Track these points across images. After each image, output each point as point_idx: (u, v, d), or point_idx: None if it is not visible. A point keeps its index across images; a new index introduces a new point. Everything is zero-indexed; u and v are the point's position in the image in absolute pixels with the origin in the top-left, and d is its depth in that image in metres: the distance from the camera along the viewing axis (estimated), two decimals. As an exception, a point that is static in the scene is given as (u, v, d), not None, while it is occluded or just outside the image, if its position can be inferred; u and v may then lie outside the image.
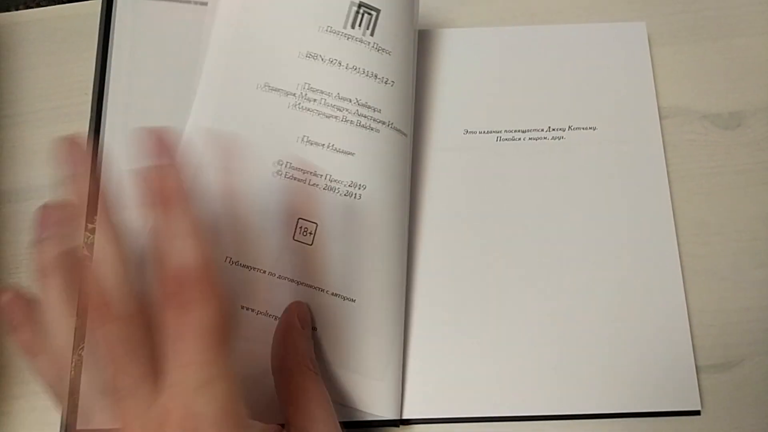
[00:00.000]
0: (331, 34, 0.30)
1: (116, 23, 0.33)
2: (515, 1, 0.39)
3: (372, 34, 0.30)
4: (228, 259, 0.29)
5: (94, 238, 0.30)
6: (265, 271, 0.29)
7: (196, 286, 0.20)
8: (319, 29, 0.30)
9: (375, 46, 0.30)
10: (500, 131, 0.35)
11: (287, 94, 0.30)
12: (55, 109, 0.36)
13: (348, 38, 0.30)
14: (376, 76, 0.30)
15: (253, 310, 0.29)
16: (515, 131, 0.35)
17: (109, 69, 0.32)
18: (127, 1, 0.33)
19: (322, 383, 0.26)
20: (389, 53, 0.31)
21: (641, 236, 0.33)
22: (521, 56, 0.36)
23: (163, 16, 0.32)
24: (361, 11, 0.30)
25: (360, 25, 0.30)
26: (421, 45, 0.36)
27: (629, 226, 0.33)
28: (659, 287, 0.32)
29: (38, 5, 0.54)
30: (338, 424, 0.25)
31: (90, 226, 0.31)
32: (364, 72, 0.30)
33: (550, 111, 0.35)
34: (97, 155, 0.31)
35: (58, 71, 0.37)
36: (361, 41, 0.30)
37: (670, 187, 0.34)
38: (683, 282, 0.32)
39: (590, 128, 0.35)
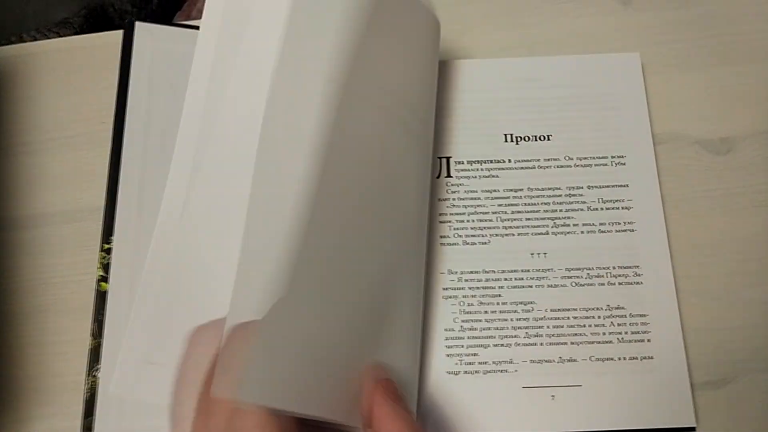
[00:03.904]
0: None
1: (135, 53, 0.34)
2: (513, 32, 0.40)
3: None
4: None
5: (110, 258, 0.32)
6: None
7: None
8: None
9: None
10: (500, 160, 0.36)
11: None
12: (72, 137, 0.38)
13: None
14: None
15: None
16: (514, 161, 0.36)
17: (128, 96, 0.34)
18: (145, 33, 0.34)
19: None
20: None
21: (635, 257, 0.34)
22: (518, 87, 0.38)
23: (180, 44, 0.34)
24: None
25: None
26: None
27: (624, 248, 0.34)
28: (654, 306, 0.33)
29: (50, 31, 0.55)
30: None
31: (106, 246, 0.32)
32: None
33: (549, 139, 0.37)
34: (117, 180, 0.33)
35: (76, 100, 0.38)
36: None
37: (664, 211, 0.35)
38: (678, 302, 0.33)
39: (589, 157, 0.36)
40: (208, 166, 0.31)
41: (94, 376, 0.30)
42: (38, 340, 0.34)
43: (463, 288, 0.34)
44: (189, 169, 0.31)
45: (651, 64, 0.39)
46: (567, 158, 0.36)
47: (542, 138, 0.37)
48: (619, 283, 0.34)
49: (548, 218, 0.35)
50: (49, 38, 0.41)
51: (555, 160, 0.36)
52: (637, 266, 0.34)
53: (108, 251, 0.32)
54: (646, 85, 0.38)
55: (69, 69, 0.39)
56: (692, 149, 0.38)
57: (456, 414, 0.32)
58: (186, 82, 0.32)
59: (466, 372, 0.32)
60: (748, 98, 0.39)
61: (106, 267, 0.32)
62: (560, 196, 0.35)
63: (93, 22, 0.54)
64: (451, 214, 0.35)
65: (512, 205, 0.35)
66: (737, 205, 0.36)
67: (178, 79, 0.33)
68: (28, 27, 0.53)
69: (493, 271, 0.34)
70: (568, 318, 0.33)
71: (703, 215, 0.36)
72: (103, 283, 0.32)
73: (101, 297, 0.31)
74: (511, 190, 0.36)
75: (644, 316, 0.33)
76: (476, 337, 0.33)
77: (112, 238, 0.32)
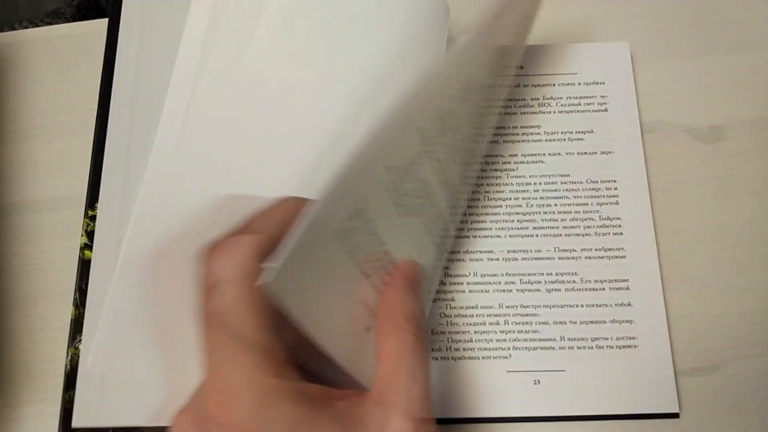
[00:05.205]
0: None
1: (121, 39, 0.34)
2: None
3: None
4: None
5: (94, 225, 0.31)
6: None
7: None
8: None
9: None
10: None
11: None
12: (61, 124, 0.38)
13: None
14: None
15: None
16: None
17: (114, 83, 0.34)
18: (132, 18, 0.34)
19: (423, 350, 0.23)
20: None
21: (621, 245, 0.34)
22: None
23: (171, 9, 0.34)
24: None
25: None
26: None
27: (609, 235, 0.34)
28: (638, 293, 0.33)
29: (42, 21, 0.55)
30: (430, 401, 0.22)
31: (91, 213, 0.32)
32: None
33: (539, 127, 0.37)
34: (101, 165, 0.33)
35: (65, 88, 0.38)
36: None
37: (651, 199, 0.35)
38: (663, 289, 0.33)
39: (577, 139, 0.36)
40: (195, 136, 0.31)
41: (76, 347, 0.30)
42: (27, 325, 0.34)
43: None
44: (176, 138, 0.31)
45: (640, 53, 0.39)
46: (554, 142, 0.36)
47: (531, 126, 0.37)
48: (604, 270, 0.34)
49: (529, 204, 0.35)
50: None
51: (543, 144, 0.36)
52: (622, 249, 0.34)
53: (93, 218, 0.32)
54: (635, 74, 0.38)
55: (59, 57, 0.39)
56: (681, 138, 0.38)
57: (438, 397, 0.31)
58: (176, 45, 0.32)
59: (443, 358, 0.32)
60: (738, 87, 0.39)
61: (90, 234, 0.31)
62: (544, 181, 0.35)
63: (84, 12, 0.54)
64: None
65: (492, 187, 0.35)
66: (726, 193, 0.36)
67: (168, 43, 0.32)
68: (20, 18, 0.54)
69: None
70: (551, 304, 0.33)
71: (691, 203, 0.36)
72: (86, 251, 0.31)
73: (85, 265, 0.31)
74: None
75: (628, 304, 0.33)
76: (459, 331, 0.33)
77: (96, 204, 0.32)
